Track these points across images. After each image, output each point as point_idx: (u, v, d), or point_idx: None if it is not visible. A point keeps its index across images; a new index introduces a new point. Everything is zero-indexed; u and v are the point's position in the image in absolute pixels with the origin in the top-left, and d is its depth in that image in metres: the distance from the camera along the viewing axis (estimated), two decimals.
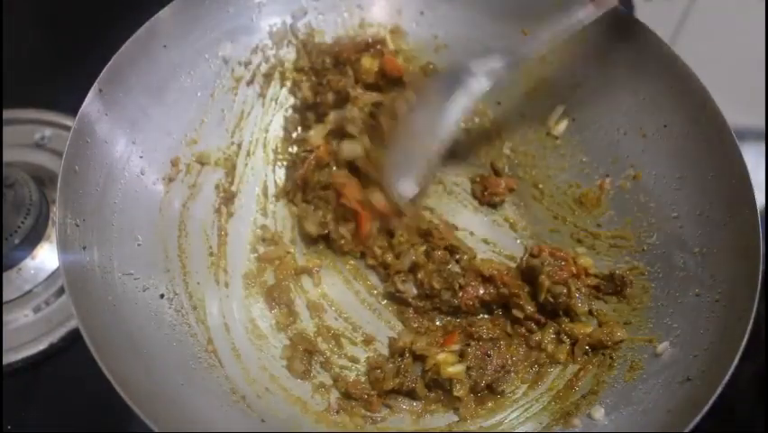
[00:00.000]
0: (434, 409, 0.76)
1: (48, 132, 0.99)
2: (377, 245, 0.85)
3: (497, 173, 0.92)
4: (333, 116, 0.89)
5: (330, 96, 0.91)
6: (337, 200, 0.87)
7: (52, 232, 0.89)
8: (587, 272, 0.80)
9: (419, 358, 0.77)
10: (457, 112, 0.81)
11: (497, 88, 0.81)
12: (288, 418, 0.73)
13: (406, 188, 0.85)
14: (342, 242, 0.86)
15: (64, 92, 0.87)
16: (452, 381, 0.74)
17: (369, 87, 0.91)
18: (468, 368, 0.74)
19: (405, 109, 0.86)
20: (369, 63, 0.89)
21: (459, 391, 0.74)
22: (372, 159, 0.86)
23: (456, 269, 0.82)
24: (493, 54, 0.80)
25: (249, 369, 0.76)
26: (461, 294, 0.80)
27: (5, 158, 0.93)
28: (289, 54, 0.91)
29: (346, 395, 0.76)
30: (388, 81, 0.91)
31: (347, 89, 0.88)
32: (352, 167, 0.89)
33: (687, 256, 0.73)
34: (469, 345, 0.76)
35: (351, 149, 0.87)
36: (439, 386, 0.76)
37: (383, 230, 0.86)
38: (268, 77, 0.90)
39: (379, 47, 0.90)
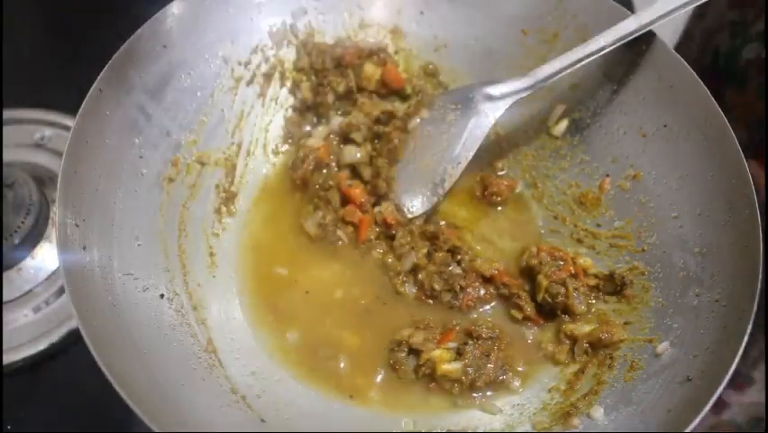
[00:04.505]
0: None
1: (48, 132, 0.99)
2: (375, 249, 0.85)
3: (497, 173, 0.92)
4: (338, 122, 0.89)
5: (330, 97, 0.91)
6: (341, 204, 0.87)
7: (52, 232, 0.89)
8: (586, 272, 0.80)
9: (415, 352, 0.77)
10: (476, 138, 0.83)
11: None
12: (290, 417, 0.73)
13: (416, 205, 0.86)
14: (340, 243, 0.86)
15: (64, 92, 0.87)
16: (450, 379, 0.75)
17: (369, 93, 0.91)
18: (466, 366, 0.74)
19: (417, 125, 0.87)
20: (371, 71, 0.90)
21: (454, 389, 0.74)
22: (382, 174, 0.86)
23: (457, 270, 0.82)
24: (512, 79, 0.81)
25: (249, 368, 0.76)
26: (461, 296, 0.81)
27: (5, 158, 0.93)
28: (289, 54, 0.91)
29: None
30: (389, 90, 0.92)
31: (352, 93, 0.89)
32: (354, 168, 0.90)
33: (687, 256, 0.73)
34: (467, 343, 0.76)
35: (352, 154, 0.88)
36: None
37: (385, 235, 0.86)
38: (268, 77, 0.90)
39: (381, 55, 0.91)
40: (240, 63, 0.87)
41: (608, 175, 0.84)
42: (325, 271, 0.86)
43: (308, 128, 0.93)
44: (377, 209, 0.86)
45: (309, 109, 0.93)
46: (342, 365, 0.79)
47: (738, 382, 0.96)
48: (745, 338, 0.62)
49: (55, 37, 1.15)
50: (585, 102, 0.86)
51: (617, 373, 0.72)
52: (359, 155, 0.88)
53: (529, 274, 0.82)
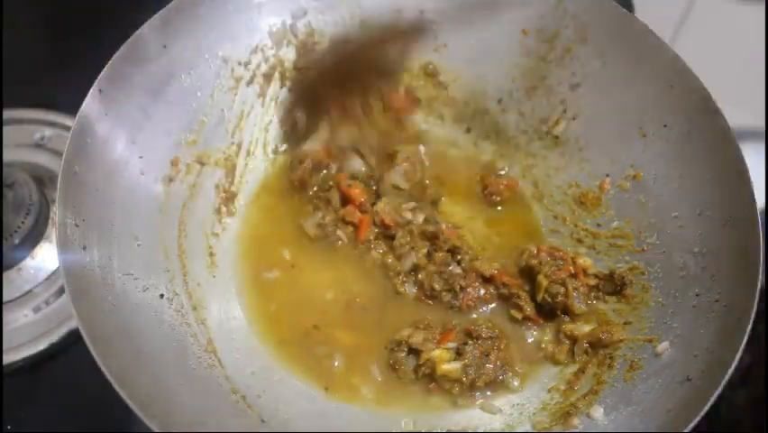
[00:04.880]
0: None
1: (48, 132, 0.99)
2: (375, 249, 0.85)
3: (497, 173, 0.92)
4: (346, 133, 0.90)
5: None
6: (341, 203, 0.87)
7: (52, 232, 0.89)
8: (586, 272, 0.80)
9: (414, 352, 0.77)
10: None
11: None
12: (290, 417, 0.73)
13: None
14: (339, 243, 0.86)
15: (64, 92, 0.87)
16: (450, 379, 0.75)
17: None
18: (466, 366, 0.74)
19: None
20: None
21: (454, 389, 0.74)
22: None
23: (457, 270, 0.82)
24: None
25: (249, 368, 0.76)
26: (461, 296, 0.81)
27: (5, 158, 0.93)
28: (289, 54, 0.91)
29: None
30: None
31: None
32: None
33: (687, 256, 0.73)
34: (467, 343, 0.76)
35: (356, 167, 0.89)
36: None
37: (384, 235, 0.86)
38: (268, 77, 0.90)
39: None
40: (240, 63, 0.87)
41: (608, 175, 0.84)
42: (325, 271, 0.86)
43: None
44: (375, 208, 0.86)
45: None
46: (339, 364, 0.79)
47: None
48: (745, 338, 0.62)
49: (55, 37, 1.15)
50: (585, 102, 0.86)
51: (616, 372, 0.72)
52: (363, 168, 0.89)
53: (529, 274, 0.82)
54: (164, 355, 0.69)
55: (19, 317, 0.85)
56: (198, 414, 0.66)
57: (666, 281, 0.75)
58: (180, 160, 0.82)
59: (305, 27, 0.90)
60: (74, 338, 0.84)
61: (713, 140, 0.74)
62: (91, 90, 0.71)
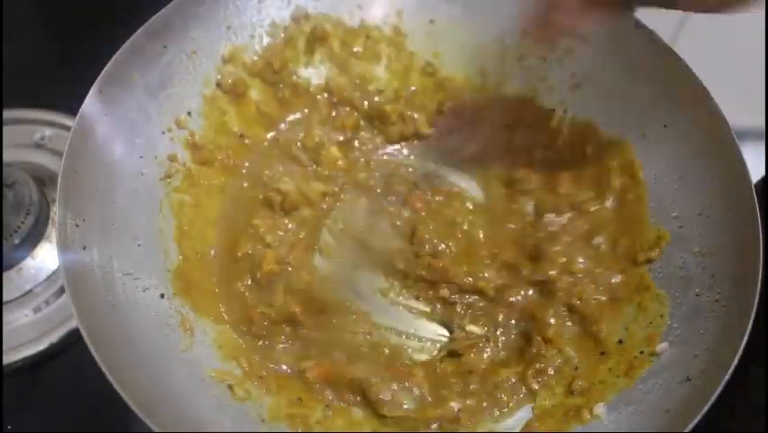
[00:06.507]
0: None
1: (48, 132, 0.99)
2: None
3: None
4: None
5: None
6: None
7: (52, 232, 0.89)
8: None
9: None
10: None
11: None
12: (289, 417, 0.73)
13: None
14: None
15: (64, 92, 0.87)
16: None
17: None
18: None
19: None
20: None
21: None
22: None
23: None
24: None
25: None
26: None
27: (5, 158, 0.93)
28: None
29: None
30: None
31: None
32: None
33: (687, 256, 0.73)
34: None
35: None
36: None
37: None
38: None
39: None
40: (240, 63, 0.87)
41: None
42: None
43: None
44: None
45: None
46: None
47: None
48: (745, 338, 0.62)
49: (55, 37, 1.15)
50: (585, 102, 0.86)
51: None
52: None
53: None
54: (164, 356, 0.69)
55: (19, 317, 0.85)
56: (198, 414, 0.66)
57: (666, 281, 0.75)
58: (180, 160, 0.81)
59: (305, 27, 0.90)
60: (74, 338, 0.84)
61: (713, 140, 0.74)
62: (91, 90, 0.71)
